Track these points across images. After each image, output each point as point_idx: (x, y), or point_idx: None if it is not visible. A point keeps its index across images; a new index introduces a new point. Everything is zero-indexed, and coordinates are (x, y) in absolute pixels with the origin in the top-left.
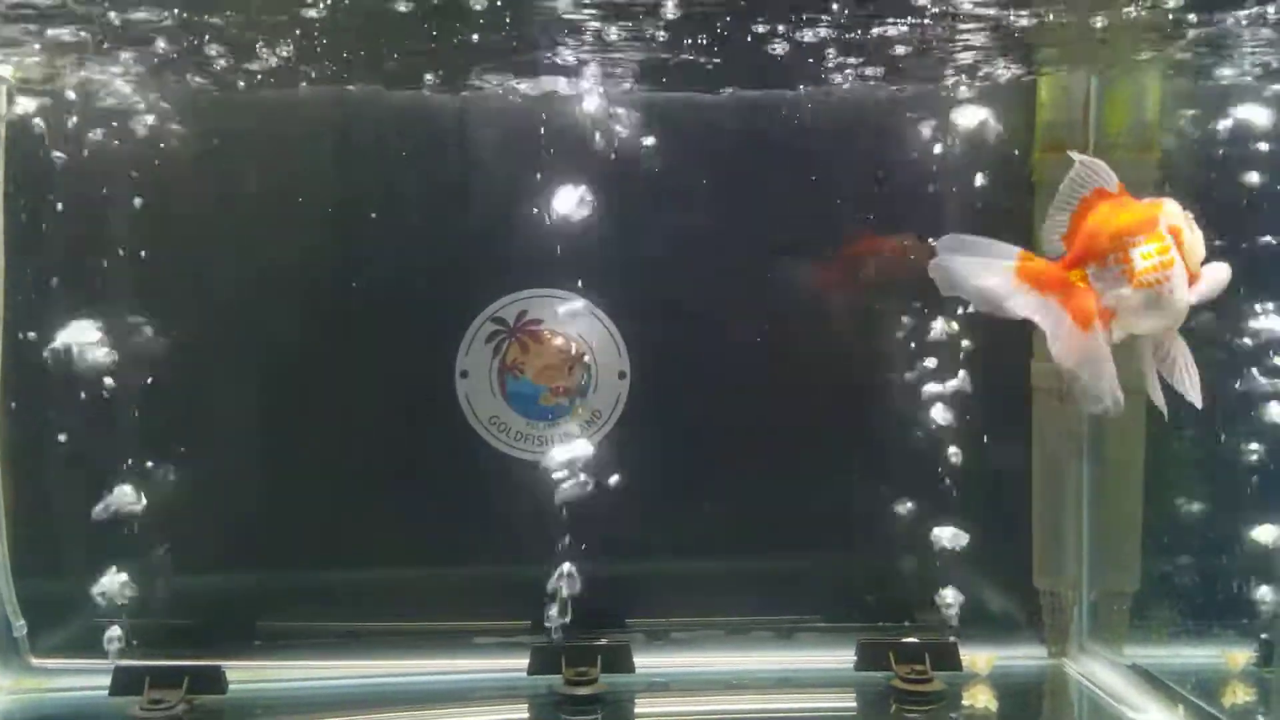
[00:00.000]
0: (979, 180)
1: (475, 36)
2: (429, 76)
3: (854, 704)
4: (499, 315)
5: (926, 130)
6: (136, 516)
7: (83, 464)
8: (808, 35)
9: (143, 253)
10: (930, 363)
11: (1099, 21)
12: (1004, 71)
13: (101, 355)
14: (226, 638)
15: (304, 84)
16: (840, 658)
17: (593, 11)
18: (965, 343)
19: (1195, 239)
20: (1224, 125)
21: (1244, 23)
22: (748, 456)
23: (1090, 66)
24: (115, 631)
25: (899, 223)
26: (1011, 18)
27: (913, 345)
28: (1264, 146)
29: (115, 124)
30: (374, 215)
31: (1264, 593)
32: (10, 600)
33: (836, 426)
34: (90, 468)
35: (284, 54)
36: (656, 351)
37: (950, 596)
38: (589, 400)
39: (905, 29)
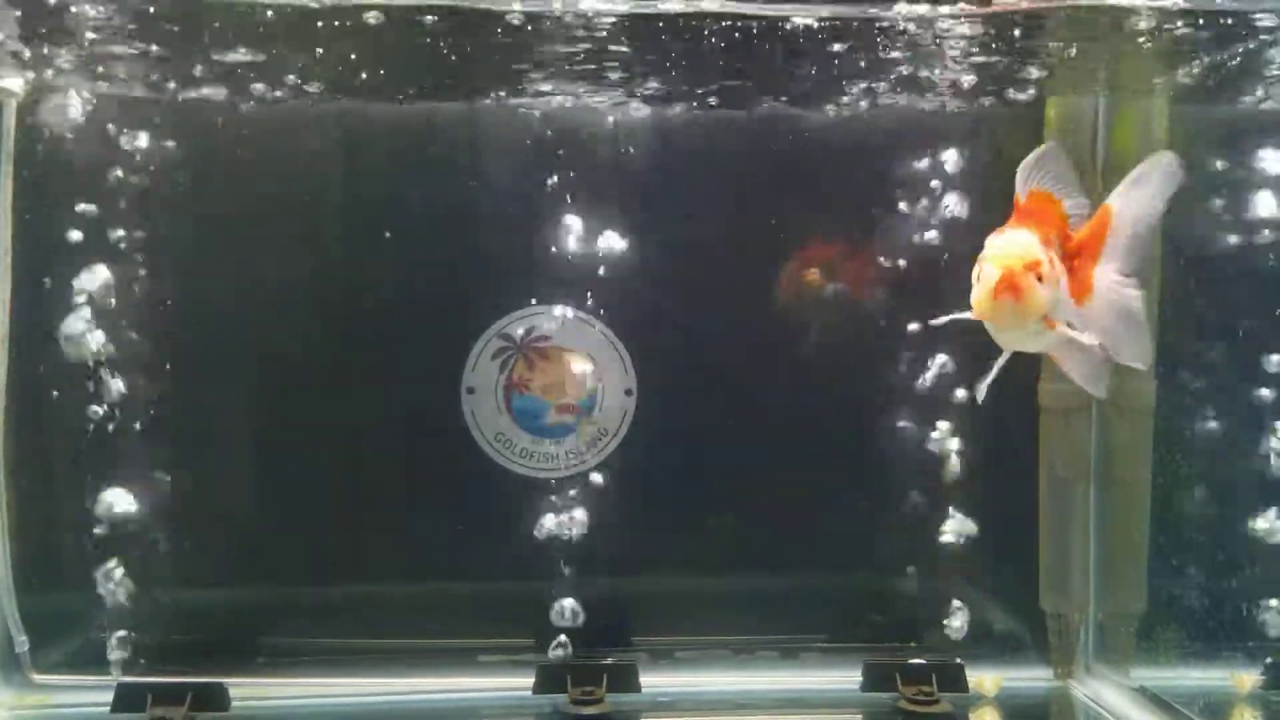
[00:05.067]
0: (988, 201)
1: (488, 53)
2: (440, 93)
3: None
4: (506, 331)
5: (934, 151)
6: (140, 532)
7: (86, 479)
8: (818, 55)
9: (149, 267)
10: (938, 383)
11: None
12: (1011, 93)
13: (106, 370)
14: (230, 654)
15: (313, 99)
16: (846, 678)
17: (603, 26)
18: (975, 364)
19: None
20: (1233, 148)
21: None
22: (754, 475)
23: (1098, 89)
24: (118, 648)
25: (905, 241)
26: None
27: (921, 366)
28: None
29: (122, 138)
30: (383, 231)
31: (1272, 614)
32: (13, 616)
33: (844, 446)
34: (94, 483)
35: (293, 70)
36: (663, 369)
37: (956, 617)
38: (595, 417)
39: (916, 49)
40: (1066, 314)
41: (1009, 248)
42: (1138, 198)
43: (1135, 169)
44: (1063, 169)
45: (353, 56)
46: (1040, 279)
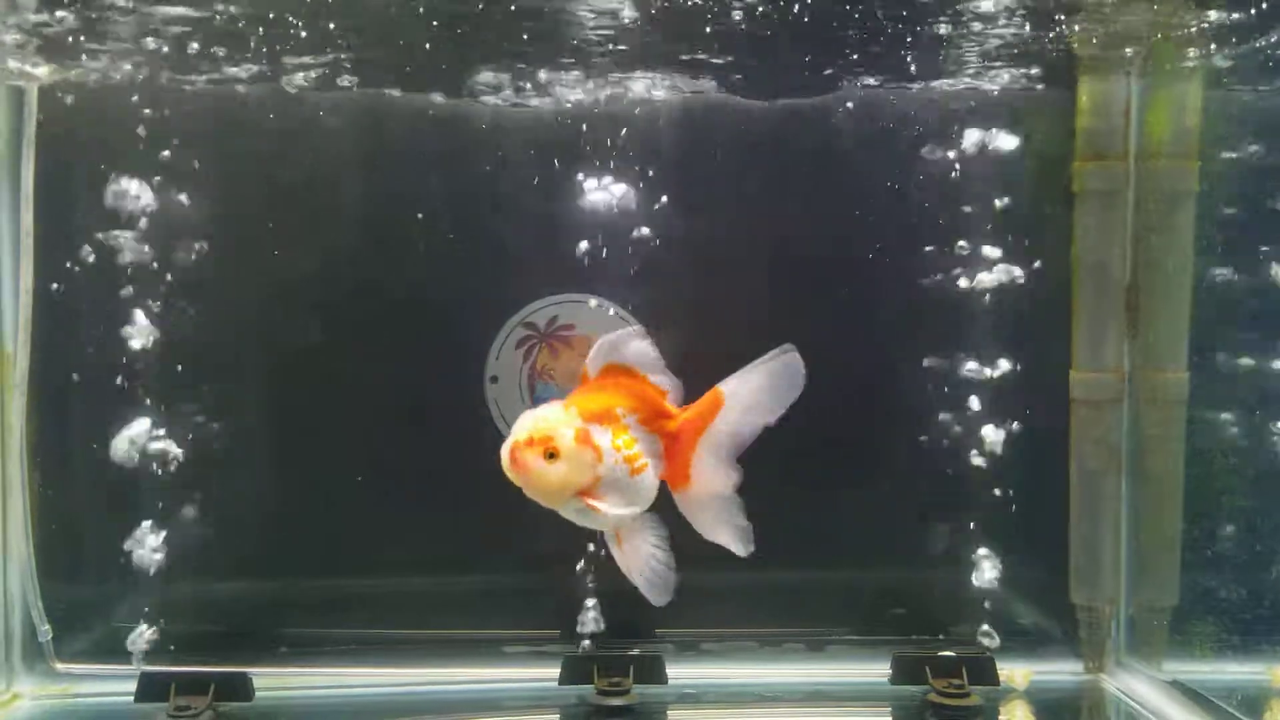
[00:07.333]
0: (1017, 188)
1: (510, 43)
2: (465, 82)
3: (889, 718)
4: (530, 320)
5: (963, 137)
6: (164, 522)
7: (109, 469)
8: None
9: (171, 257)
10: (967, 374)
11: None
12: (1044, 77)
13: (128, 362)
14: (253, 644)
15: (338, 88)
16: (874, 670)
17: (629, 17)
18: (1004, 355)
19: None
20: (1271, 134)
21: None
22: (780, 466)
23: (1131, 72)
24: (142, 637)
25: (935, 230)
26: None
27: (950, 357)
28: None
29: (146, 125)
30: (406, 219)
31: None
32: (36, 605)
33: (871, 437)
34: (117, 473)
35: (319, 57)
36: (687, 358)
37: (987, 610)
38: None
39: (947, 31)
40: (620, 492)
41: (526, 421)
42: (752, 387)
43: (760, 359)
44: (648, 349)
45: (381, 42)
46: (553, 454)
